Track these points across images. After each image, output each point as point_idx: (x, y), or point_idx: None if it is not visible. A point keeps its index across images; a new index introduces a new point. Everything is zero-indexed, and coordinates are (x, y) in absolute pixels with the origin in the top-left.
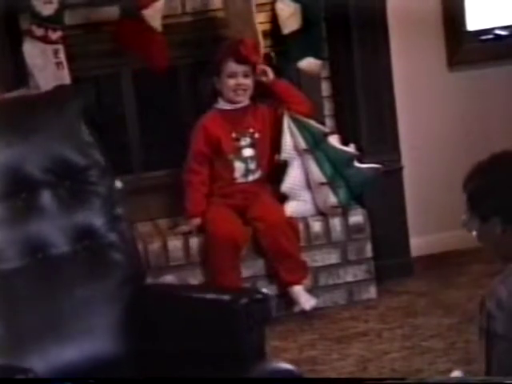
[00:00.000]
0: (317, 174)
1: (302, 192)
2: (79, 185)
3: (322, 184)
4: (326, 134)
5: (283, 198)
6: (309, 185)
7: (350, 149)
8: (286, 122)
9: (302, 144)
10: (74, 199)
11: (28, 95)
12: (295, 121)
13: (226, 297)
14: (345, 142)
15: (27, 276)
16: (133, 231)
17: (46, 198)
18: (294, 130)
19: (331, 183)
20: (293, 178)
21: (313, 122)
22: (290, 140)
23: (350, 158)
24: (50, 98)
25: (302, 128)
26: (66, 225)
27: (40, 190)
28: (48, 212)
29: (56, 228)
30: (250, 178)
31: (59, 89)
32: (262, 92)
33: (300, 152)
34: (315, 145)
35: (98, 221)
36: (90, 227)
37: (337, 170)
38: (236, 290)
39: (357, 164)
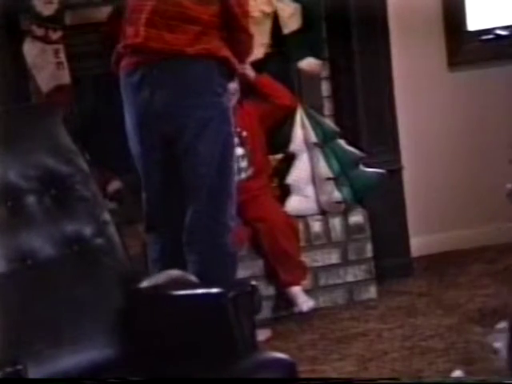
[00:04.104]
0: (324, 169)
1: (306, 187)
2: (64, 192)
3: (328, 179)
4: (336, 133)
5: (284, 195)
6: (313, 181)
7: (357, 151)
8: (299, 115)
9: (313, 138)
10: (60, 206)
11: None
12: (308, 115)
13: (215, 290)
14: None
15: (16, 282)
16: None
17: (32, 205)
18: (307, 123)
19: (337, 179)
20: (299, 171)
21: (326, 120)
22: (301, 133)
23: (357, 159)
24: (32, 108)
25: (315, 123)
26: (53, 231)
27: (25, 198)
28: (35, 219)
29: (43, 235)
30: (243, 175)
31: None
32: (247, 90)
33: (309, 146)
34: (325, 141)
35: (85, 226)
36: (78, 233)
37: (342, 169)
38: (225, 283)
39: (362, 167)
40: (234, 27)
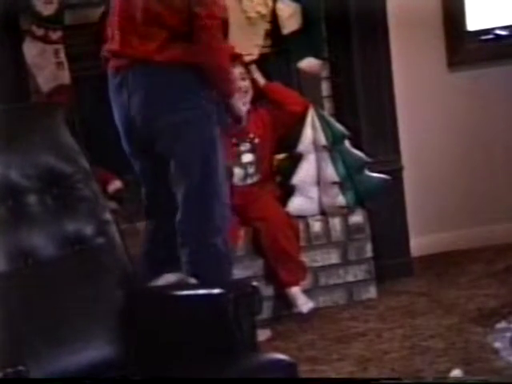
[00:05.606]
0: (330, 173)
1: (310, 188)
2: (66, 191)
3: (334, 183)
4: (344, 137)
5: (287, 195)
6: (318, 183)
7: (363, 155)
8: (310, 116)
9: (322, 140)
10: (61, 205)
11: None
12: (320, 116)
13: (216, 291)
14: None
15: (17, 281)
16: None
17: (33, 204)
18: (317, 124)
19: (342, 184)
20: (305, 172)
21: (335, 122)
22: (311, 134)
23: (363, 164)
24: (34, 107)
25: (325, 125)
26: (54, 231)
27: (26, 197)
28: (36, 218)
29: (44, 234)
30: (249, 181)
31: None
32: (259, 96)
33: (317, 148)
34: (334, 144)
35: (86, 226)
36: (79, 232)
37: (348, 173)
38: (225, 284)
39: (367, 172)
40: (198, 39)
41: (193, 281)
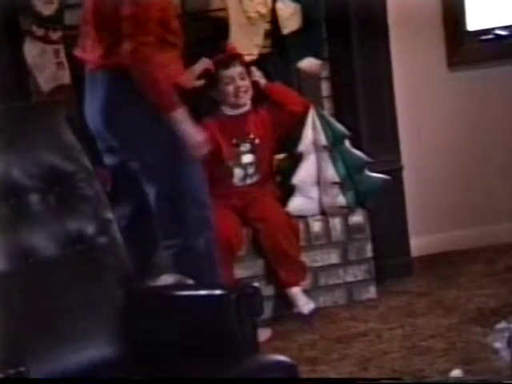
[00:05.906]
0: (330, 173)
1: (310, 188)
2: (68, 190)
3: (334, 183)
4: (345, 137)
5: (287, 195)
6: (318, 183)
7: (363, 155)
8: (311, 116)
9: (323, 140)
10: (63, 204)
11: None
12: (320, 116)
13: (217, 292)
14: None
15: (18, 281)
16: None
17: (35, 203)
18: (318, 124)
19: (342, 184)
20: (306, 172)
21: (336, 122)
22: (311, 134)
23: (363, 164)
24: (35, 106)
25: (326, 125)
26: (56, 229)
27: (28, 195)
28: (37, 217)
29: (46, 233)
30: (248, 181)
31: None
32: (260, 96)
33: (318, 148)
34: (334, 144)
35: (88, 225)
36: (81, 231)
37: (348, 173)
38: (227, 285)
39: (367, 172)
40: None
41: (190, 281)
